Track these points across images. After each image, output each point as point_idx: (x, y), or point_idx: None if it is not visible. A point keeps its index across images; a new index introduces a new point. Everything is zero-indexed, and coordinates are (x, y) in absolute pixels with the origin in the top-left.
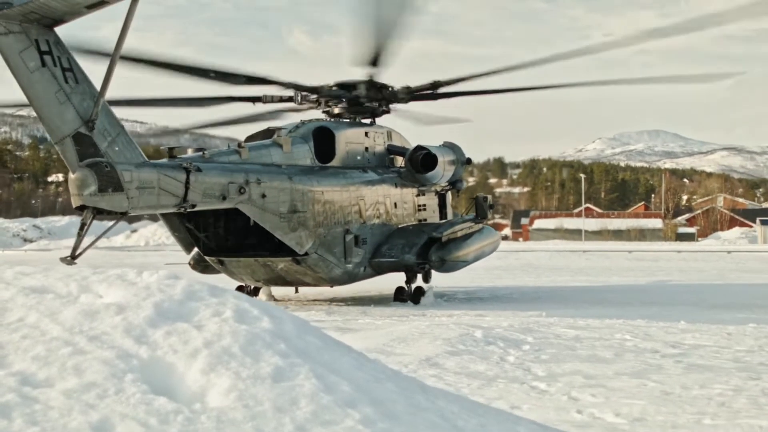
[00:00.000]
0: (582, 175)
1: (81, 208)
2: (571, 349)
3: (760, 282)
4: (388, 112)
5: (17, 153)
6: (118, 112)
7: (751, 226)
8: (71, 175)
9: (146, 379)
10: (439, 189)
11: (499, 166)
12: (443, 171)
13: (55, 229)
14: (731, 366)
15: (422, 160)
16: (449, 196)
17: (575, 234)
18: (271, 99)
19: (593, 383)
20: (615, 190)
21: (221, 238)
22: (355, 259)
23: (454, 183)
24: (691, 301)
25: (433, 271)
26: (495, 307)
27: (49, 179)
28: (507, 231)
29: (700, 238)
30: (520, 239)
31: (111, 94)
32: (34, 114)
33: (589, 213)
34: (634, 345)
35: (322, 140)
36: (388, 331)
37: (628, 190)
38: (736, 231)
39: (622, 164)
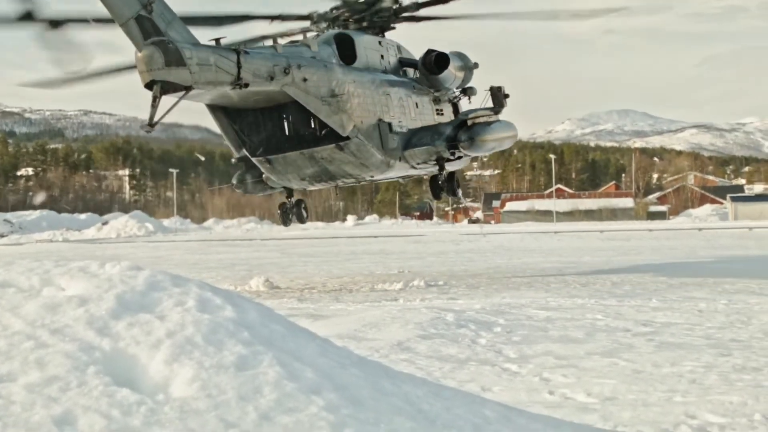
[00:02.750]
0: (552, 156)
1: (150, 86)
2: (543, 330)
3: (731, 259)
4: (394, 27)
5: None
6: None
7: (721, 203)
8: (138, 54)
9: (109, 371)
10: (451, 97)
11: None
12: (455, 73)
13: (26, 223)
14: (702, 343)
15: (435, 60)
16: (461, 105)
17: (547, 215)
18: (288, 17)
19: (565, 364)
20: (585, 170)
21: (267, 137)
22: (392, 145)
23: (465, 90)
24: (662, 279)
25: (462, 155)
26: (467, 291)
27: (19, 173)
28: (479, 214)
29: (671, 216)
30: (492, 222)
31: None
32: (2, 109)
33: (560, 194)
34: (606, 324)
35: (344, 44)
36: (360, 317)
37: (598, 170)
38: (707, 208)
39: (592, 144)
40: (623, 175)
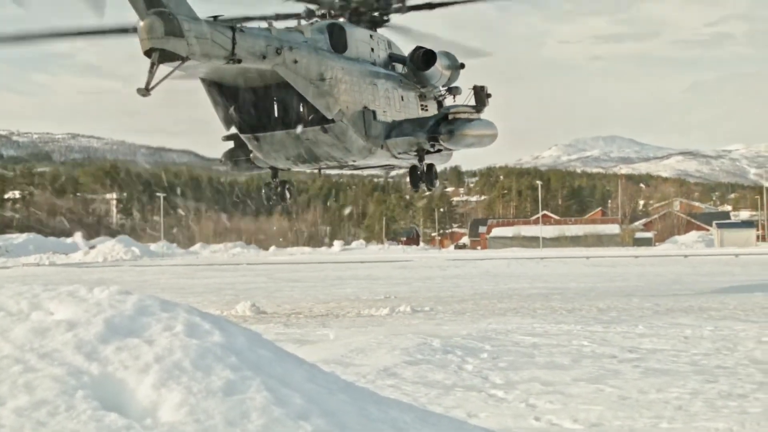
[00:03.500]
0: (539, 183)
1: (149, 53)
2: (529, 356)
3: (717, 286)
4: (387, 21)
5: None
6: None
7: (707, 230)
8: (140, 23)
9: (97, 395)
10: (437, 95)
11: (456, 175)
12: (441, 71)
13: (13, 246)
14: (688, 369)
15: (422, 57)
16: (446, 104)
17: (533, 241)
18: (286, 16)
19: (551, 390)
20: (572, 196)
21: (256, 115)
22: (374, 132)
23: (450, 89)
24: (648, 306)
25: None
26: (453, 316)
27: (6, 196)
28: (465, 240)
29: (657, 243)
30: (479, 247)
31: None
32: None
33: (546, 220)
34: (592, 351)
35: (336, 34)
36: (347, 342)
37: (584, 197)
38: (693, 235)
39: (579, 171)
40: (609, 201)
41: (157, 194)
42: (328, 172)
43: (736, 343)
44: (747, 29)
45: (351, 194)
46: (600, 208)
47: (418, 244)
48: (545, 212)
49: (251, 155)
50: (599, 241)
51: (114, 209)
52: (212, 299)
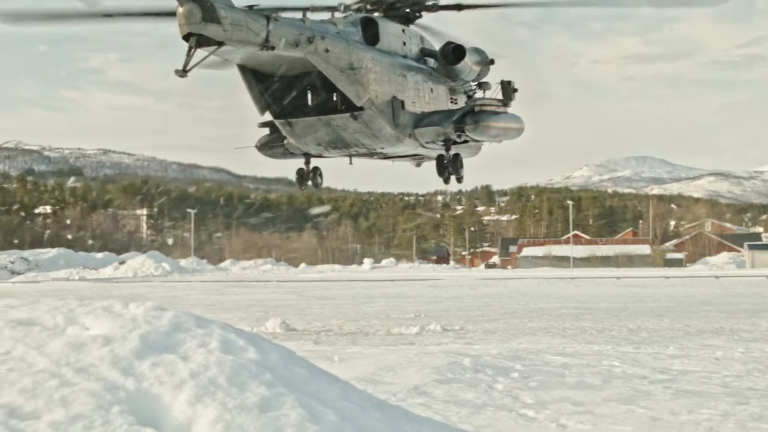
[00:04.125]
0: (570, 202)
1: (187, 37)
2: (560, 376)
3: (749, 307)
4: (420, 17)
5: (5, 185)
6: None
7: (739, 251)
8: (179, 8)
9: (133, 410)
10: (467, 89)
11: (487, 194)
12: (471, 66)
13: (43, 261)
14: (719, 391)
15: (452, 51)
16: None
17: (563, 261)
18: (318, 8)
19: (581, 410)
20: (603, 216)
21: (289, 101)
22: (403, 121)
23: (480, 84)
24: (679, 326)
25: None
26: (483, 335)
27: (37, 211)
28: (495, 259)
29: (688, 264)
30: (509, 267)
31: None
32: (21, 147)
33: (577, 240)
34: (623, 371)
35: (368, 27)
36: (377, 360)
37: (615, 217)
38: (725, 256)
39: (610, 191)
40: (640, 221)
41: (188, 210)
42: (359, 158)
43: (767, 366)
44: None
45: (381, 212)
46: (631, 229)
47: (448, 262)
48: (576, 232)
49: (285, 141)
50: (630, 261)
51: (144, 225)
52: (242, 315)
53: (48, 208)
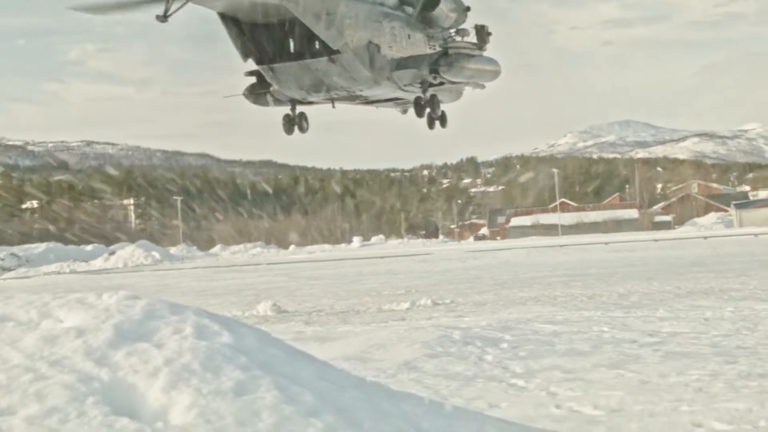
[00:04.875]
0: (555, 170)
1: None
2: (549, 344)
3: (737, 266)
4: None
5: None
6: None
7: (726, 211)
8: None
9: (108, 400)
10: (445, 36)
11: (473, 166)
12: (447, 13)
13: (33, 256)
14: (708, 351)
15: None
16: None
17: (552, 229)
18: None
19: (571, 377)
20: (589, 183)
21: (271, 47)
22: (379, 65)
23: (458, 31)
24: (669, 289)
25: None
26: (473, 308)
27: (24, 206)
28: (484, 230)
29: (676, 226)
30: (498, 238)
31: None
32: (4, 142)
33: (564, 207)
34: (612, 336)
35: None
36: (367, 338)
37: (602, 183)
38: (712, 216)
39: (595, 157)
40: (627, 186)
41: (175, 197)
42: (341, 104)
43: (756, 323)
44: (758, 7)
45: (369, 190)
46: (618, 194)
47: (437, 237)
48: (563, 200)
49: (271, 89)
50: (618, 226)
51: (132, 215)
52: (233, 300)
53: (35, 203)
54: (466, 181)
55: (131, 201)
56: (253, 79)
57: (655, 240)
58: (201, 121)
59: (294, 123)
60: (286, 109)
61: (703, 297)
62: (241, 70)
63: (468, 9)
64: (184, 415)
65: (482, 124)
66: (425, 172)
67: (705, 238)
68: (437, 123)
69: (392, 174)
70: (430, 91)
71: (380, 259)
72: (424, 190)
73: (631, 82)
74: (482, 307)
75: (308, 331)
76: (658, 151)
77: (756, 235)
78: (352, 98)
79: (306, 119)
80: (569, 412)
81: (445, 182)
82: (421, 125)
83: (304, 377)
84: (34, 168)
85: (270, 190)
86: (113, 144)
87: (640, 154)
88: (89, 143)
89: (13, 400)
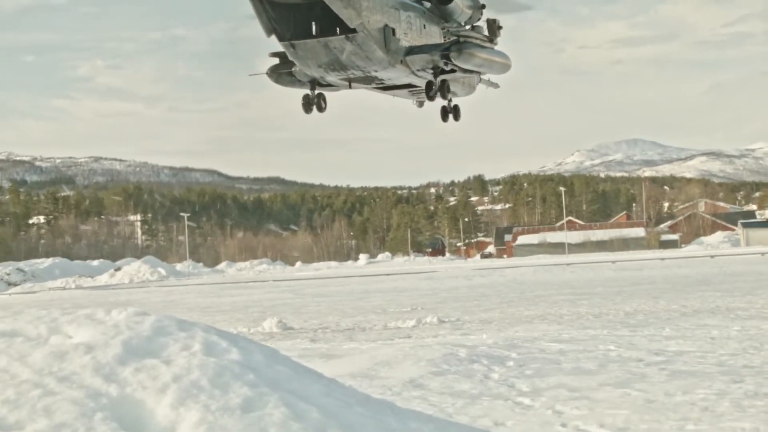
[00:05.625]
0: (562, 189)
1: None
2: (556, 362)
3: (744, 285)
4: None
5: None
6: None
7: (733, 230)
8: None
9: (116, 416)
10: (460, 32)
11: (480, 184)
12: (462, 8)
13: (39, 271)
14: (715, 370)
15: None
16: None
17: (559, 248)
18: None
19: (577, 395)
20: (596, 201)
21: (293, 25)
22: (394, 47)
23: (473, 28)
24: (675, 308)
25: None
26: (480, 326)
27: (30, 221)
28: (491, 248)
29: (683, 245)
30: (505, 256)
31: None
32: (12, 158)
33: (571, 226)
34: (618, 355)
35: None
36: (373, 355)
37: (609, 201)
38: (719, 235)
39: (602, 175)
40: (634, 204)
41: (182, 213)
42: (357, 86)
43: (763, 342)
44: (766, 27)
45: (375, 207)
46: (625, 212)
47: (444, 254)
48: (570, 218)
49: (293, 69)
50: (625, 245)
51: (139, 230)
52: (239, 317)
53: (42, 218)
54: (473, 198)
55: (138, 217)
56: (276, 60)
57: (662, 259)
58: (209, 137)
59: (313, 103)
60: (305, 91)
61: (710, 316)
62: (248, 85)
63: (483, 6)
64: None
65: (490, 142)
66: (432, 190)
67: (712, 257)
68: (450, 116)
69: (399, 191)
70: (442, 77)
71: (386, 277)
72: (431, 208)
73: (638, 101)
74: (488, 325)
75: (314, 347)
76: (666, 170)
77: (763, 254)
78: (368, 80)
79: (324, 99)
80: (575, 430)
81: (452, 200)
82: (432, 135)
83: (311, 394)
84: (41, 183)
85: (276, 207)
86: (121, 160)
87: (648, 172)
88: (97, 159)
89: (22, 415)
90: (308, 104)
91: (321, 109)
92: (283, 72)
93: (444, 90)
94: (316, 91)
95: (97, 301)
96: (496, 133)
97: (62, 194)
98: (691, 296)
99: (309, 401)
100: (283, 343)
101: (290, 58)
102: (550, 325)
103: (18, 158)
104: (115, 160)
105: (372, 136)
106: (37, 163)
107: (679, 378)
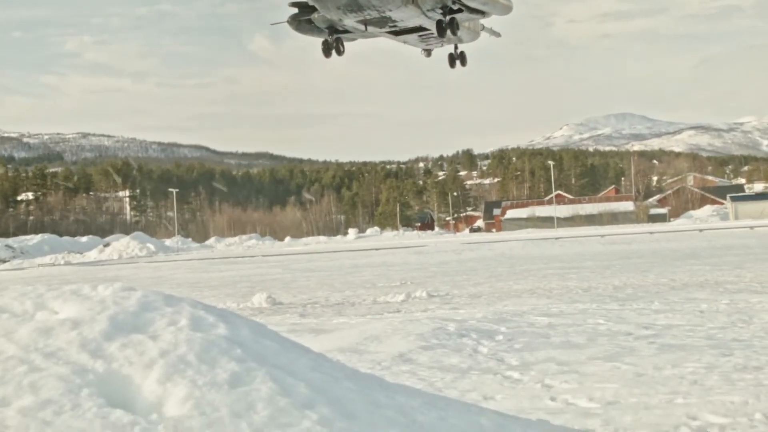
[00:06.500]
0: (551, 163)
1: None
2: (545, 336)
3: (733, 259)
4: None
5: None
6: None
7: (722, 203)
8: None
9: (103, 392)
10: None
11: (469, 159)
12: None
13: (28, 247)
14: (704, 344)
15: None
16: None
17: (548, 222)
18: None
19: (566, 369)
20: (585, 175)
21: None
22: None
23: None
24: (664, 281)
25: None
26: (469, 300)
27: (19, 198)
28: (479, 223)
29: (672, 219)
30: (493, 230)
31: None
32: (0, 135)
33: (560, 200)
34: (608, 329)
35: None
36: (362, 330)
37: (598, 175)
38: (708, 209)
39: (591, 149)
40: (623, 178)
41: (170, 189)
42: (372, 31)
43: (751, 316)
44: (755, 1)
45: (364, 182)
46: (613, 186)
47: (433, 229)
48: (559, 192)
49: (312, 16)
50: (614, 218)
51: (127, 206)
52: (228, 292)
53: (30, 195)
54: (462, 173)
55: (126, 193)
56: (294, 10)
57: (651, 233)
58: (197, 113)
59: (332, 47)
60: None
61: (699, 289)
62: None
63: None
64: (179, 407)
65: (478, 117)
66: (421, 164)
67: (700, 230)
68: (458, 62)
69: (388, 166)
70: (451, 16)
71: (375, 251)
72: (420, 182)
73: (627, 75)
74: (477, 300)
75: (303, 322)
76: (654, 144)
77: (751, 227)
78: (382, 22)
79: (342, 43)
80: (564, 404)
81: (441, 174)
82: (420, 110)
83: (298, 369)
84: (29, 160)
85: (265, 182)
86: (109, 136)
87: (636, 146)
88: (85, 135)
89: (8, 391)
90: (327, 49)
91: (339, 53)
92: (302, 20)
93: (453, 26)
94: (334, 36)
95: (86, 277)
96: (484, 107)
97: (50, 170)
98: (679, 270)
99: (296, 376)
100: (272, 318)
101: (311, 1)
102: (539, 299)
103: (5, 135)
104: (104, 136)
105: (360, 111)
106: (25, 140)
107: (668, 351)
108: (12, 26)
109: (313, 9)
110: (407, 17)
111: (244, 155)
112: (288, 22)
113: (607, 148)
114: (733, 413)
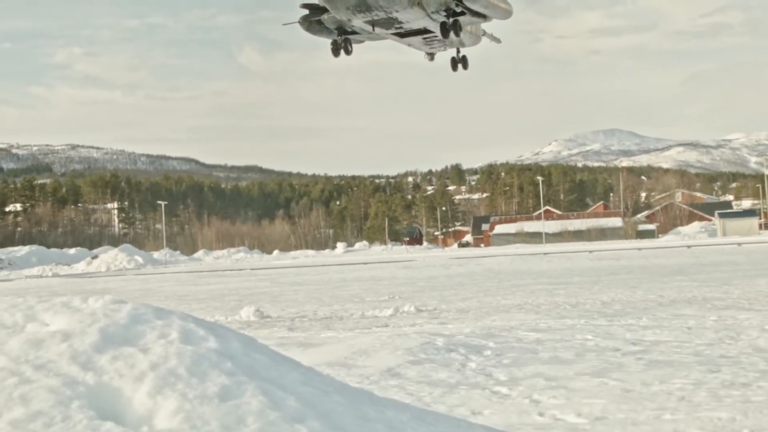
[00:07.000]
0: (540, 178)
1: None
2: (533, 352)
3: (721, 275)
4: None
5: None
6: None
7: (710, 220)
8: None
9: (93, 404)
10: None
11: (457, 173)
12: None
13: (16, 259)
14: (691, 360)
15: None
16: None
17: (536, 237)
18: None
19: (555, 385)
20: (573, 191)
21: None
22: None
23: None
24: (652, 297)
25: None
26: (457, 315)
27: (7, 209)
28: (468, 238)
29: (660, 235)
30: (482, 245)
31: None
32: None
33: (548, 215)
34: (596, 344)
35: None
36: (350, 344)
37: (586, 191)
38: (696, 225)
39: (580, 165)
40: (611, 194)
41: (159, 202)
42: (379, 32)
43: (739, 332)
44: (744, 18)
45: (353, 196)
46: (602, 202)
47: (421, 243)
48: (547, 208)
49: (322, 17)
50: (602, 234)
51: (116, 218)
52: (216, 305)
53: (18, 206)
54: (451, 187)
55: (115, 205)
56: (305, 11)
57: (639, 249)
58: (186, 126)
59: (340, 47)
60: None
61: (687, 306)
62: None
63: None
64: (169, 420)
65: (467, 132)
66: (410, 179)
67: (688, 247)
68: (460, 66)
69: (377, 180)
70: (454, 18)
71: (364, 265)
72: (409, 197)
73: (616, 91)
74: (465, 314)
75: (291, 336)
76: (643, 160)
77: (739, 244)
78: (389, 23)
79: (350, 43)
80: (552, 419)
81: (430, 189)
82: (410, 125)
83: (288, 383)
84: (17, 171)
85: (254, 195)
86: (98, 148)
87: (625, 162)
88: (74, 147)
89: None
90: (336, 49)
91: (348, 52)
92: (313, 20)
93: (456, 28)
94: (343, 37)
95: (74, 289)
96: (473, 122)
97: (39, 182)
98: (667, 286)
99: (286, 390)
100: (260, 331)
101: (321, 2)
102: (528, 314)
103: None
104: (93, 147)
105: (350, 125)
106: (14, 151)
107: (656, 367)
108: (1, 37)
109: (324, 10)
110: (413, 18)
111: (233, 168)
112: (299, 22)
113: (596, 164)
114: (720, 429)
